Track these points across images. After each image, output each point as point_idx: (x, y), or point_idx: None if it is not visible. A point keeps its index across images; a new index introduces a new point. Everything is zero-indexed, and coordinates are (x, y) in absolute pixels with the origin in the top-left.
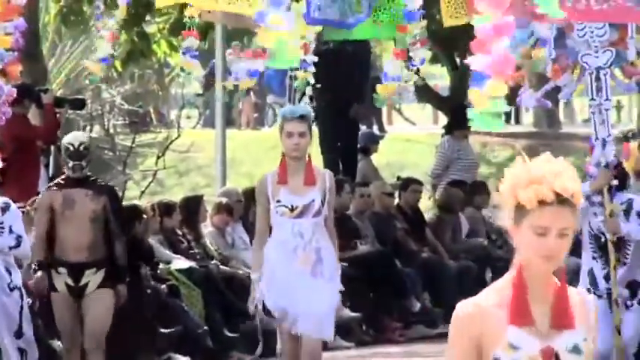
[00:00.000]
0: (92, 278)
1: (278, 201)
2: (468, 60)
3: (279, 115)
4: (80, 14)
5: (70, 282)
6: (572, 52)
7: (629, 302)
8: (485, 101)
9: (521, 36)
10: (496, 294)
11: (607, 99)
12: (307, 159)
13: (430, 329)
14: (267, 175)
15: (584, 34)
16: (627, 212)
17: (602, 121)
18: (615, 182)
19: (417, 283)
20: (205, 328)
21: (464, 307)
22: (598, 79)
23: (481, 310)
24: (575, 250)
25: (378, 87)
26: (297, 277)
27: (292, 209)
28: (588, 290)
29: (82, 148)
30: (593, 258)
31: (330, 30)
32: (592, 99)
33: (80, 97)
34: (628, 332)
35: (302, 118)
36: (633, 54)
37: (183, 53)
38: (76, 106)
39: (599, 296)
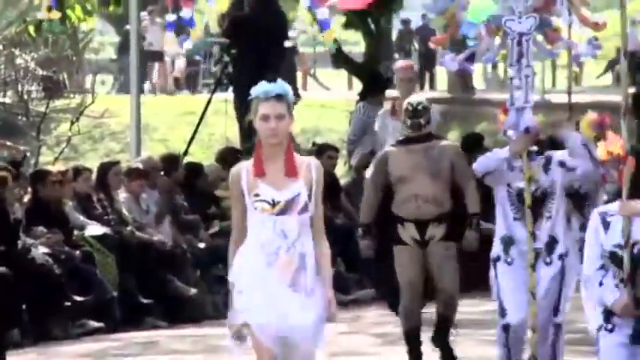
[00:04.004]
0: None
1: (256, 195)
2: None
3: (252, 95)
4: None
5: None
6: (496, 18)
7: (547, 259)
8: None
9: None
10: None
11: (528, 65)
12: (287, 145)
13: (344, 295)
14: (242, 165)
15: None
16: (546, 166)
17: (520, 87)
18: (535, 148)
19: (331, 249)
20: (118, 294)
21: None
22: (520, 44)
23: None
24: None
25: None
26: (275, 288)
27: (274, 205)
28: (498, 258)
29: None
30: (515, 219)
31: None
32: (511, 65)
33: None
34: (543, 288)
35: (279, 97)
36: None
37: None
38: None
39: (509, 263)
